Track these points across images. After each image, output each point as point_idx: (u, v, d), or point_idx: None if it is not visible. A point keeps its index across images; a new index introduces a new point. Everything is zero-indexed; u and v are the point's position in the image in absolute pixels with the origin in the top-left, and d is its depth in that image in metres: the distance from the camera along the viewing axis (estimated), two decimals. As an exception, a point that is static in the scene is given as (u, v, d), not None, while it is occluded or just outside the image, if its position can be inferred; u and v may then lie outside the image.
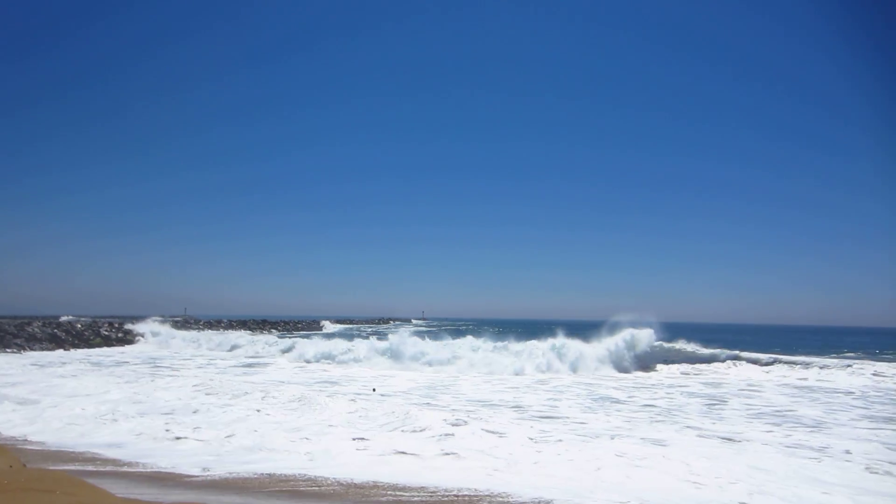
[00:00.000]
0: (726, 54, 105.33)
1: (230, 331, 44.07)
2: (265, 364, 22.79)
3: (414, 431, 9.05)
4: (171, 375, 17.28)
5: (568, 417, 11.00)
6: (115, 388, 13.94)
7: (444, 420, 9.79)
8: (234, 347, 31.71)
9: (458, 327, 74.34)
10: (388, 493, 5.95)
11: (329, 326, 73.50)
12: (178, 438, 8.58)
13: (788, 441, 9.01)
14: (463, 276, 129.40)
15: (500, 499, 5.71)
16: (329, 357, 23.74)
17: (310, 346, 26.50)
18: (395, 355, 22.74)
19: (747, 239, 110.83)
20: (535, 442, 8.43)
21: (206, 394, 12.96)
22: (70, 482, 5.55)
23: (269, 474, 6.66)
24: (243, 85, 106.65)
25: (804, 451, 8.26)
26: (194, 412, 10.67)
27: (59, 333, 34.50)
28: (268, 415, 10.51)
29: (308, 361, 23.47)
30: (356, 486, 6.20)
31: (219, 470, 6.87)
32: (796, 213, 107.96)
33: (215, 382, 14.81)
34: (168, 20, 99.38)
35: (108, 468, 7.02)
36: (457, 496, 5.76)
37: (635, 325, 22.89)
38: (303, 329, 61.99)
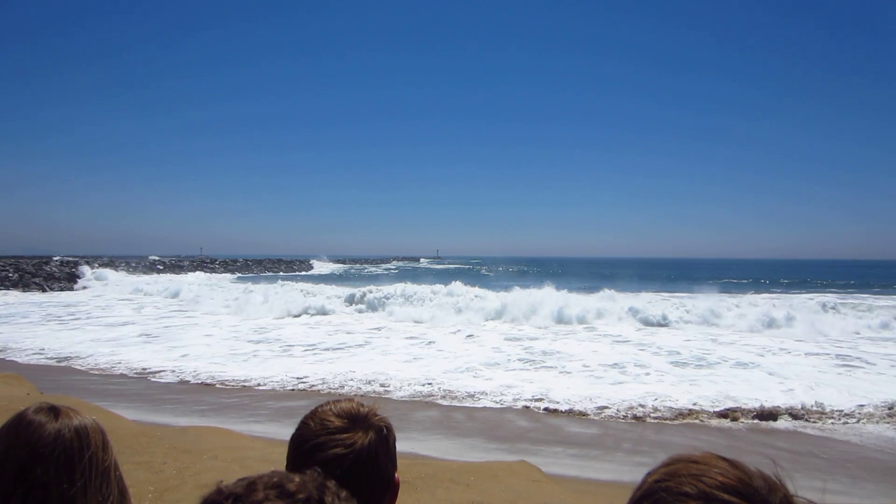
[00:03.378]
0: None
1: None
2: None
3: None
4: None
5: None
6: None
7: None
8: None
9: (520, 269, 69.77)
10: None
11: (319, 266, 70.94)
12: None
13: None
14: (475, 216, 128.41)
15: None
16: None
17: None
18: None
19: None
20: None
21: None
22: (84, 408, 5.12)
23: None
24: (262, 28, 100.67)
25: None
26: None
27: (76, 272, 34.71)
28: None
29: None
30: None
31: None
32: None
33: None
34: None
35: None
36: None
37: None
38: (295, 269, 60.29)
